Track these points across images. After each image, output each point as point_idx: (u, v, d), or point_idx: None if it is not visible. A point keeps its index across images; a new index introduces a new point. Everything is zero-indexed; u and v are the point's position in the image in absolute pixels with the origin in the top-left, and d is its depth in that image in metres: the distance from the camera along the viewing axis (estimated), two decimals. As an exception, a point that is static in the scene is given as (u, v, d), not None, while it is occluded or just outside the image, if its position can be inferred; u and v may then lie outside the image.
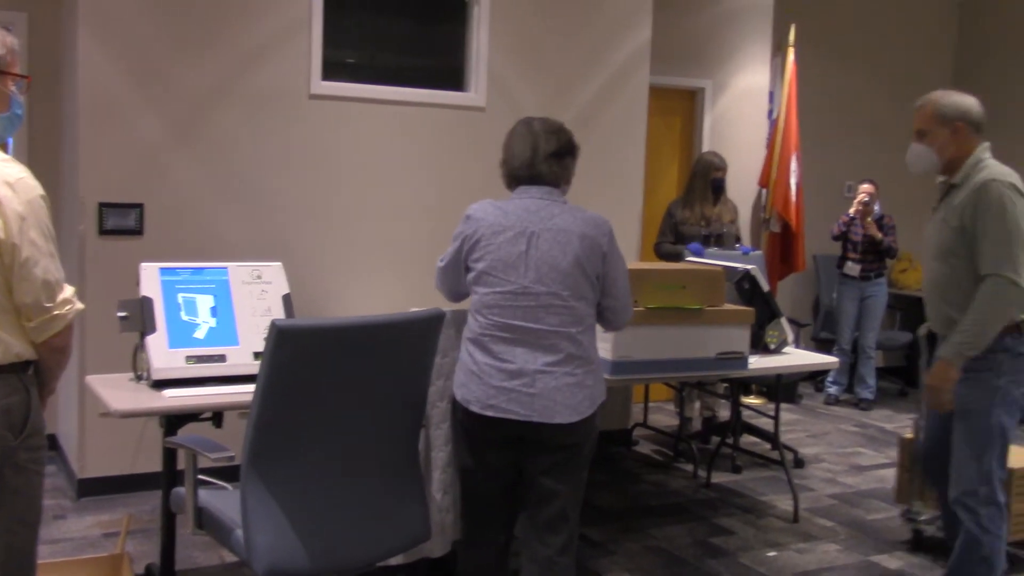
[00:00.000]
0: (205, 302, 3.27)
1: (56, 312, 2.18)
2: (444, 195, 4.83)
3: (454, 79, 4.96)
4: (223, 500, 2.65)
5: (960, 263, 3.09)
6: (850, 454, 5.58)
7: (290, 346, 2.34)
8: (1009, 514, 3.46)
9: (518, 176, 2.82)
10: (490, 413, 2.67)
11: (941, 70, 8.12)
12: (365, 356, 2.46)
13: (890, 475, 5.02)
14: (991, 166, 3.13)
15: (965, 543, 3.14)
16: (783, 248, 6.68)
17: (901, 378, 7.62)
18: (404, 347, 2.54)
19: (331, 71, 4.62)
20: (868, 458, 5.52)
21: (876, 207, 6.65)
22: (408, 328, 2.53)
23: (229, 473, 2.70)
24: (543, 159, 2.78)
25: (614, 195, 5.29)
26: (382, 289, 4.72)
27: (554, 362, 2.67)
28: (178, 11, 4.26)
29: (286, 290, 3.43)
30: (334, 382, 2.43)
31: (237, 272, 3.38)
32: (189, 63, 4.30)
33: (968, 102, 3.18)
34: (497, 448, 2.77)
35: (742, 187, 6.73)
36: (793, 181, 6.70)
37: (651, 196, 6.11)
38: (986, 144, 3.20)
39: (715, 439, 5.54)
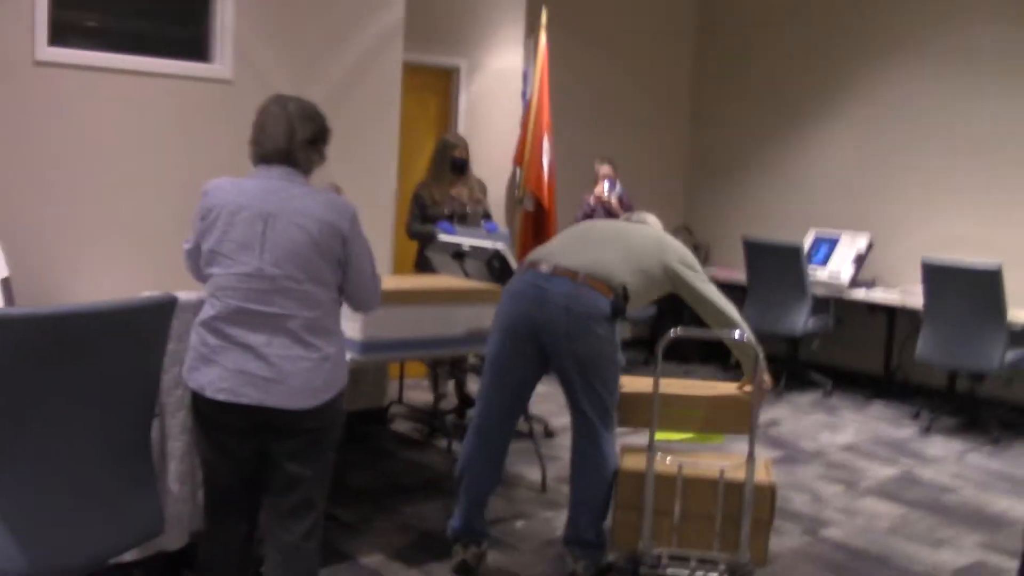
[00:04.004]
0: (-92, 288, 2.99)
1: None
2: (189, 172, 4.62)
3: (198, 49, 4.75)
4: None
5: None
6: (597, 423, 5.85)
7: (3, 337, 2.17)
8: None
9: (269, 158, 2.74)
10: (222, 397, 2.60)
11: (681, 52, 8.61)
12: (89, 345, 2.32)
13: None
14: None
15: None
16: (536, 226, 6.88)
17: (647, 349, 8.06)
18: (132, 334, 2.42)
19: (60, 36, 4.30)
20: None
21: (617, 185, 6.98)
22: (135, 315, 2.41)
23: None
24: (299, 146, 2.72)
25: (367, 175, 5.25)
26: (122, 272, 4.47)
27: (289, 346, 2.62)
28: None
29: (5, 273, 3.19)
30: (55, 373, 2.28)
31: (-54, 255, 3.10)
32: None
33: None
34: (237, 435, 2.70)
35: (497, 166, 6.87)
36: (546, 160, 6.92)
37: (407, 176, 6.11)
38: None
39: (470, 413, 5.64)
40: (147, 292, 2.70)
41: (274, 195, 2.66)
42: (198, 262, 2.74)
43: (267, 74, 4.84)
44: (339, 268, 2.73)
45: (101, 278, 4.41)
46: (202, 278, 2.77)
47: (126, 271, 4.47)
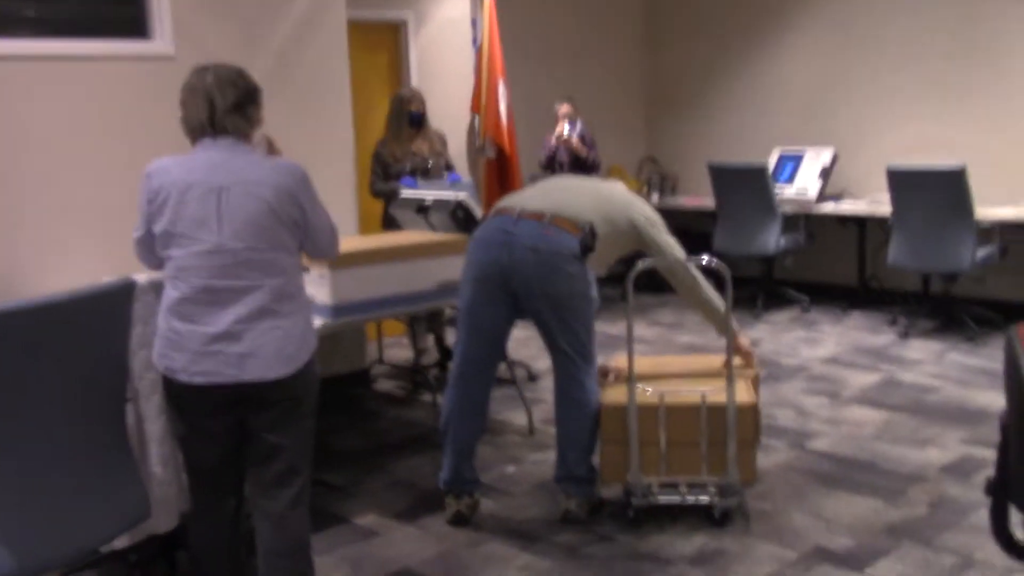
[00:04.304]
0: None
1: None
2: (139, 152, 4.53)
3: (137, 27, 4.65)
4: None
5: None
6: (580, 362, 5.88)
7: (-41, 338, 2.15)
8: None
9: (197, 133, 2.70)
10: (199, 380, 2.59)
11: (630, -13, 8.53)
12: (49, 339, 2.29)
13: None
14: None
15: None
16: (500, 172, 6.83)
17: (621, 284, 8.07)
18: (93, 323, 2.40)
19: (-5, 28, 4.20)
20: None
21: (578, 124, 6.93)
22: (93, 303, 2.38)
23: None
24: (223, 115, 2.66)
25: (323, 138, 5.19)
26: (79, 260, 4.41)
27: (258, 318, 2.61)
28: None
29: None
30: (20, 369, 2.25)
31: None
32: None
33: None
34: (214, 414, 2.69)
35: (455, 117, 6.81)
36: (503, 106, 6.84)
37: (364, 135, 6.05)
38: None
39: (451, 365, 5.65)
40: (107, 278, 2.67)
41: (222, 168, 2.62)
42: (151, 248, 2.70)
43: (209, 46, 4.74)
44: (298, 230, 2.71)
45: (58, 268, 4.36)
46: (155, 264, 2.73)
47: (83, 258, 4.42)
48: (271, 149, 3.03)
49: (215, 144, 2.65)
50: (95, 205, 4.47)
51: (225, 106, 2.65)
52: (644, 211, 3.76)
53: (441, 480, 3.72)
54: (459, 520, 3.68)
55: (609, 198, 3.70)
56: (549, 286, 3.48)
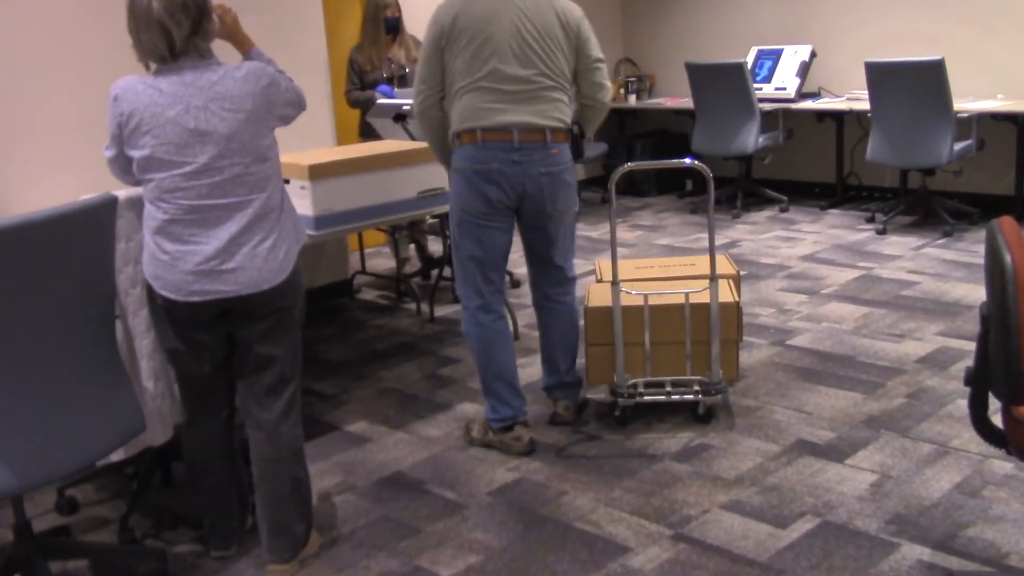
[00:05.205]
0: None
1: None
2: (100, 72, 4.47)
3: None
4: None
5: None
6: (562, 267, 5.90)
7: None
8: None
9: (159, 62, 2.61)
10: (195, 299, 2.60)
11: None
12: (32, 258, 2.28)
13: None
14: None
15: None
16: (476, 77, 6.73)
17: (602, 187, 8.06)
18: (75, 241, 2.38)
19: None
20: (578, 267, 5.86)
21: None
22: (74, 220, 2.36)
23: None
24: (183, 42, 2.57)
25: (295, 46, 5.09)
26: (54, 180, 4.36)
27: (248, 231, 2.61)
28: None
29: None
30: (5, 289, 2.25)
31: None
32: None
33: None
34: (205, 327, 2.71)
35: (428, 21, 6.66)
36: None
37: (336, 42, 5.94)
38: None
39: (434, 273, 5.68)
40: (85, 195, 2.64)
41: (192, 87, 2.57)
42: (126, 168, 2.66)
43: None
44: (273, 131, 2.71)
45: (40, 187, 4.31)
46: (133, 183, 2.70)
47: (62, 177, 4.37)
48: (226, 24, 2.84)
49: (179, 64, 2.59)
50: (64, 123, 4.40)
51: (183, 34, 2.57)
52: (576, 16, 3.44)
53: (500, 417, 3.52)
54: (531, 448, 3.53)
55: (560, 49, 3.39)
56: (559, 202, 3.44)
